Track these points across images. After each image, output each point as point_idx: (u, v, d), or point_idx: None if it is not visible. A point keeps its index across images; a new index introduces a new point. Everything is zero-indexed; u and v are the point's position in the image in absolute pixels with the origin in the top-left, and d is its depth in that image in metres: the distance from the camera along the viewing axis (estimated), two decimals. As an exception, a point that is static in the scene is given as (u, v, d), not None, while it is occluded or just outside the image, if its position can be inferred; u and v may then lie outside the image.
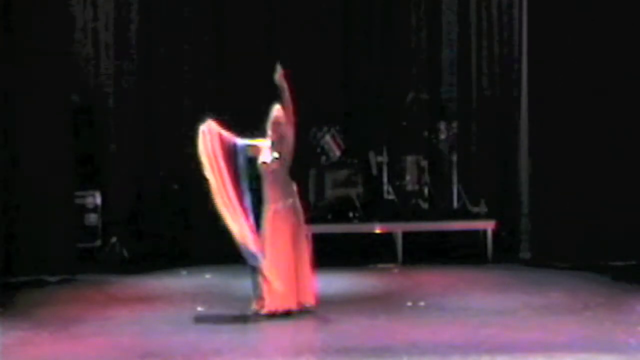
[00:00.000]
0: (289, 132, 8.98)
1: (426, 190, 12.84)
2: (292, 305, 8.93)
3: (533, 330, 8.25)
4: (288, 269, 8.91)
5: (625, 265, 11.40)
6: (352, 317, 8.93)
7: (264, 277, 8.88)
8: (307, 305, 9.03)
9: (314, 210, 12.49)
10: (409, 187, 12.77)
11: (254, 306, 8.99)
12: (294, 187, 9.10)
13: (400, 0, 13.42)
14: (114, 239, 12.25)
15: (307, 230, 9.31)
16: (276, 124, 8.98)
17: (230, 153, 8.98)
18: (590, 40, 11.56)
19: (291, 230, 8.97)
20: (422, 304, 9.47)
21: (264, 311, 8.91)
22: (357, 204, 12.52)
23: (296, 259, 8.96)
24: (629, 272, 11.00)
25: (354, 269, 11.60)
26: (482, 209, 12.66)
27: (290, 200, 9.02)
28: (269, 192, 9.00)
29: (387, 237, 12.29)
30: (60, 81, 11.59)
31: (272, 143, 8.99)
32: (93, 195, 12.43)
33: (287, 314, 8.88)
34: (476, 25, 13.32)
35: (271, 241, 8.92)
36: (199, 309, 9.37)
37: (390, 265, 11.84)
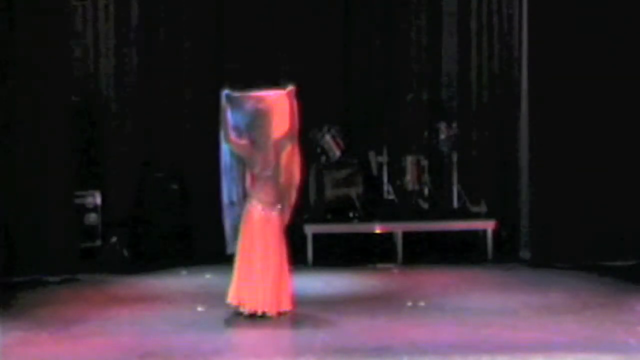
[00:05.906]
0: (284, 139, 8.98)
1: (426, 190, 12.84)
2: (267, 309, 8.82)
3: (533, 330, 8.25)
4: (260, 272, 8.81)
5: (625, 265, 11.40)
6: (352, 317, 8.92)
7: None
8: (286, 310, 8.94)
9: (314, 210, 12.50)
10: (409, 187, 12.77)
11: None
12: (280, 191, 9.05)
13: (400, 0, 13.44)
14: (114, 239, 12.24)
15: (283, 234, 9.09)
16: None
17: None
18: (590, 40, 11.56)
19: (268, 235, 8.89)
20: (422, 304, 9.47)
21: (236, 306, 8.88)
22: (357, 203, 12.51)
23: (275, 263, 8.85)
24: (629, 272, 11.00)
25: (354, 269, 11.59)
26: (482, 208, 12.67)
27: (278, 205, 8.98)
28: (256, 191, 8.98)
29: (387, 237, 12.29)
30: (60, 81, 11.59)
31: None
32: (93, 195, 12.43)
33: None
34: (476, 25, 13.33)
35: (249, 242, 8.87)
36: (199, 309, 9.36)
37: (390, 265, 11.83)
